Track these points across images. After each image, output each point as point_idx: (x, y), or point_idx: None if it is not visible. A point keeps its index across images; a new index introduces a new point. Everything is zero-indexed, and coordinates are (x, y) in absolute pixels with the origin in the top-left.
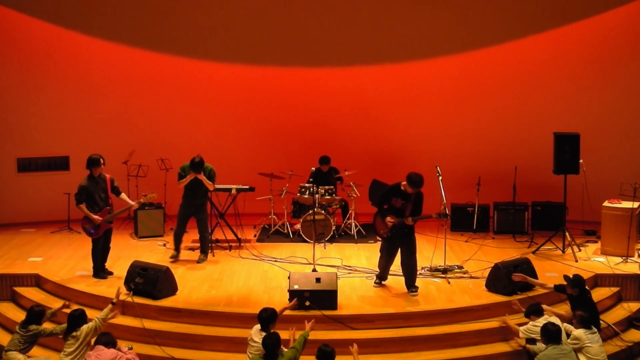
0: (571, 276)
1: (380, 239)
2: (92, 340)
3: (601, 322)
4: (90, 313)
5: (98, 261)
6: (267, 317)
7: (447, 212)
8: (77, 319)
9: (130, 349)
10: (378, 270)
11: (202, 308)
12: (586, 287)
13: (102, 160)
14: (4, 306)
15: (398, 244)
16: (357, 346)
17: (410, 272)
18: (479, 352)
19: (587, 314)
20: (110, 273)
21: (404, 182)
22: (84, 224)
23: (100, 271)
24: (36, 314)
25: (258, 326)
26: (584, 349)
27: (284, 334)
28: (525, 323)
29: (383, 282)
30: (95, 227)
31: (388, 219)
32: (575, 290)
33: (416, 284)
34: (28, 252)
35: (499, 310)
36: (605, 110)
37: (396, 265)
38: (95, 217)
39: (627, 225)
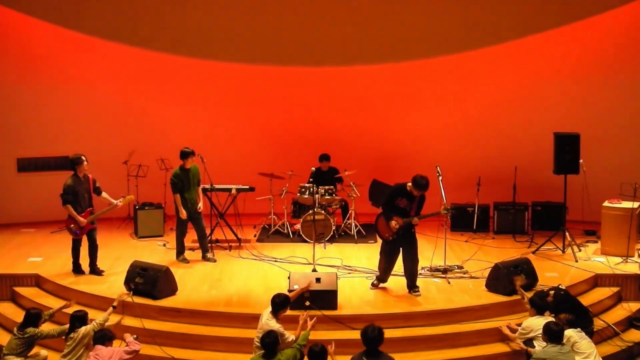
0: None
1: (381, 239)
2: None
3: (601, 321)
4: (90, 313)
5: (78, 259)
6: (280, 303)
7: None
8: (78, 320)
9: (136, 338)
10: (378, 272)
11: (202, 308)
12: (560, 290)
13: (84, 159)
14: (4, 306)
15: (400, 246)
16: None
17: (412, 273)
18: (479, 352)
19: (571, 316)
20: (101, 272)
21: (410, 184)
22: (68, 224)
23: (80, 269)
24: (33, 316)
25: (269, 309)
26: (574, 346)
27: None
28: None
29: (382, 285)
30: (80, 228)
31: (393, 223)
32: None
33: (417, 284)
34: (28, 252)
35: (499, 310)
36: (605, 110)
37: (396, 265)
38: (81, 219)
39: (627, 225)
